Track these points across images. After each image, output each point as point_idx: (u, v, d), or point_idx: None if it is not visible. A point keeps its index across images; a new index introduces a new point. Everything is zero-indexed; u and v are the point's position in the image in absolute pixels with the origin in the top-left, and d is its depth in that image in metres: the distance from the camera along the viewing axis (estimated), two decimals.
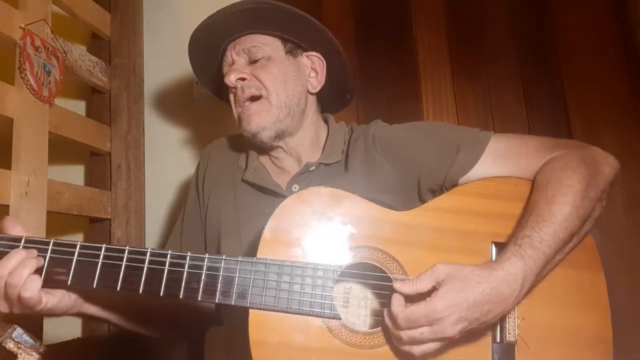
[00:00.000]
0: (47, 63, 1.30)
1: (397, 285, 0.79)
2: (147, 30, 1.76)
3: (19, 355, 0.82)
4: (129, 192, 1.62)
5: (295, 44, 1.10)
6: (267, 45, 1.08)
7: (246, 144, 1.15)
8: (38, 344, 0.84)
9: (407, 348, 0.77)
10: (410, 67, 1.59)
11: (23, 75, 1.21)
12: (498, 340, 0.83)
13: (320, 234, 0.87)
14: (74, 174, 1.75)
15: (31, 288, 0.79)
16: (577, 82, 1.47)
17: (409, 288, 0.77)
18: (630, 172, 1.39)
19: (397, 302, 0.78)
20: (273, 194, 1.05)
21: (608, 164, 0.91)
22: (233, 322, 1.03)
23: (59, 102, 1.36)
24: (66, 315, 0.89)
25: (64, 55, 1.38)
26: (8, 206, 1.16)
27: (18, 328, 0.83)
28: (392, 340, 0.80)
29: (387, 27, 1.64)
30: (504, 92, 1.52)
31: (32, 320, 1.15)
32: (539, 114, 1.49)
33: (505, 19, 1.56)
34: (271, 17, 1.05)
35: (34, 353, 0.83)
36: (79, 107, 1.75)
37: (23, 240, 0.84)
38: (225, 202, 1.10)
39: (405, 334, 0.76)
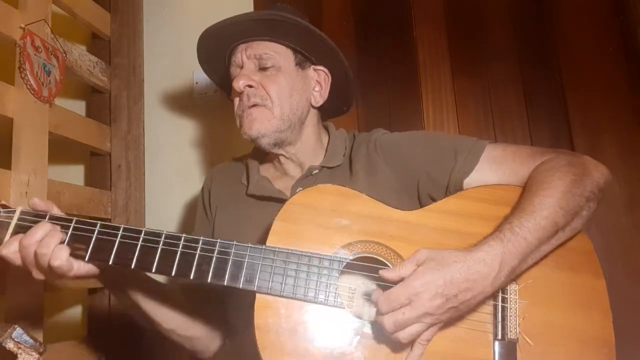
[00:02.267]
0: (47, 63, 1.30)
1: (382, 272, 0.82)
2: (147, 30, 1.76)
3: (19, 355, 0.82)
4: (129, 192, 1.62)
5: (306, 56, 1.13)
6: (279, 54, 1.10)
7: (246, 162, 1.19)
8: (38, 344, 0.84)
9: (394, 336, 0.79)
10: (410, 66, 1.59)
11: (23, 75, 1.21)
12: (500, 337, 0.85)
13: (327, 228, 0.90)
14: (74, 174, 1.75)
15: (59, 256, 0.84)
16: (577, 82, 1.47)
17: (392, 274, 0.81)
18: (630, 172, 1.40)
19: (379, 290, 0.82)
20: (278, 201, 1.07)
21: (597, 170, 0.94)
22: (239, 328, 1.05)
23: (59, 102, 1.36)
24: (96, 279, 0.93)
25: (64, 55, 1.38)
26: None
27: (18, 328, 0.83)
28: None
29: (387, 26, 1.64)
30: (504, 92, 1.52)
31: (32, 320, 1.15)
32: (539, 114, 1.49)
33: (506, 18, 1.56)
34: (289, 29, 1.08)
35: (34, 353, 0.83)
36: (79, 107, 1.75)
37: (47, 216, 0.89)
38: (231, 219, 1.13)
39: (388, 320, 0.78)
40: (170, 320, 1.04)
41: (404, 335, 0.78)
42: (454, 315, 0.81)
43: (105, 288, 0.98)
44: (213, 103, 1.66)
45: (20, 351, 0.82)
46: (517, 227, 0.83)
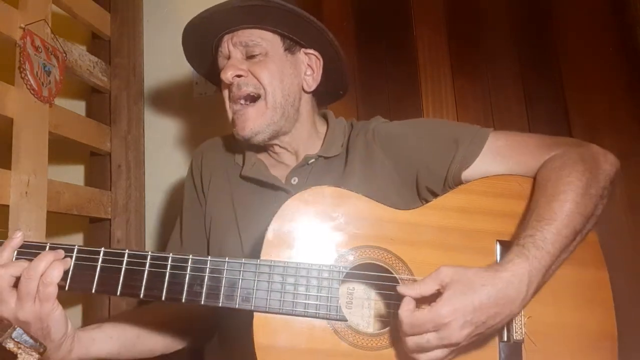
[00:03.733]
0: (47, 63, 1.30)
1: (401, 288, 0.78)
2: (147, 30, 1.76)
3: (19, 355, 0.82)
4: (129, 192, 1.61)
5: (294, 40, 1.08)
6: (266, 40, 1.06)
7: (242, 142, 1.14)
8: (38, 344, 0.84)
9: (414, 355, 0.76)
10: (410, 67, 1.59)
11: (23, 75, 1.21)
12: (505, 339, 0.83)
13: (325, 234, 0.86)
14: (74, 174, 1.75)
15: (52, 275, 0.79)
16: (577, 82, 1.47)
17: (413, 291, 0.77)
18: (630, 172, 1.39)
19: (404, 307, 0.76)
20: (272, 187, 1.05)
21: (607, 161, 0.90)
22: (232, 332, 1.03)
23: (59, 102, 1.36)
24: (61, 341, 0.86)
25: (64, 55, 1.38)
26: (8, 206, 1.16)
27: (18, 328, 0.83)
28: (398, 342, 0.80)
29: (387, 26, 1.64)
30: (504, 92, 1.52)
31: None
32: (539, 114, 1.49)
33: (506, 18, 1.56)
34: (272, 14, 1.03)
35: (34, 353, 0.83)
36: (79, 107, 1.75)
37: (20, 240, 0.83)
38: (223, 200, 1.09)
39: (411, 341, 0.75)
40: (152, 351, 1.00)
41: (425, 358, 0.75)
42: (479, 339, 0.78)
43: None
44: (213, 103, 1.66)
45: (20, 351, 0.82)
46: (540, 240, 0.79)
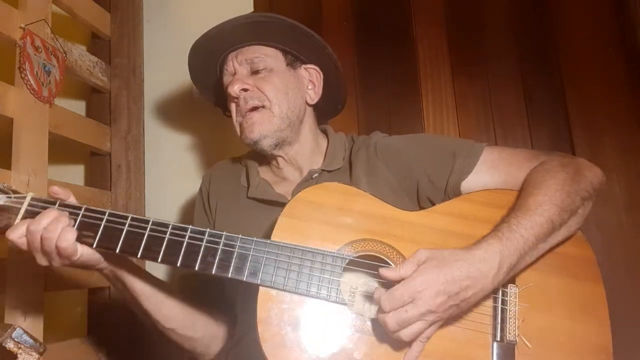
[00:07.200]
0: (47, 63, 1.30)
1: (382, 270, 0.82)
2: (147, 30, 1.76)
3: (19, 355, 0.82)
4: (129, 192, 1.62)
5: (295, 56, 1.14)
6: (269, 56, 1.11)
7: (245, 163, 1.19)
8: (38, 344, 0.84)
9: (396, 335, 0.79)
10: (410, 67, 1.59)
11: (23, 75, 1.21)
12: (498, 338, 0.85)
13: (332, 225, 0.91)
14: (74, 174, 1.75)
15: (66, 238, 0.84)
16: (577, 82, 1.47)
17: (393, 273, 0.81)
18: (630, 172, 1.39)
19: (378, 289, 0.82)
20: (279, 205, 1.06)
21: (590, 171, 0.96)
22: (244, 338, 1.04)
23: (59, 102, 1.36)
24: (98, 270, 0.94)
25: (64, 55, 1.38)
26: None
27: (18, 328, 0.83)
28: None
29: (387, 26, 1.64)
30: (504, 92, 1.52)
31: (32, 320, 1.15)
32: (539, 114, 1.49)
33: (506, 18, 1.56)
34: (274, 30, 1.09)
35: (34, 353, 0.83)
36: (79, 107, 1.75)
37: (57, 204, 0.90)
38: (231, 220, 1.12)
39: (391, 318, 0.78)
40: (170, 319, 1.03)
41: (405, 333, 0.78)
42: (455, 313, 0.82)
43: (106, 279, 0.98)
44: None
45: (20, 351, 0.82)
46: (514, 225, 0.85)
